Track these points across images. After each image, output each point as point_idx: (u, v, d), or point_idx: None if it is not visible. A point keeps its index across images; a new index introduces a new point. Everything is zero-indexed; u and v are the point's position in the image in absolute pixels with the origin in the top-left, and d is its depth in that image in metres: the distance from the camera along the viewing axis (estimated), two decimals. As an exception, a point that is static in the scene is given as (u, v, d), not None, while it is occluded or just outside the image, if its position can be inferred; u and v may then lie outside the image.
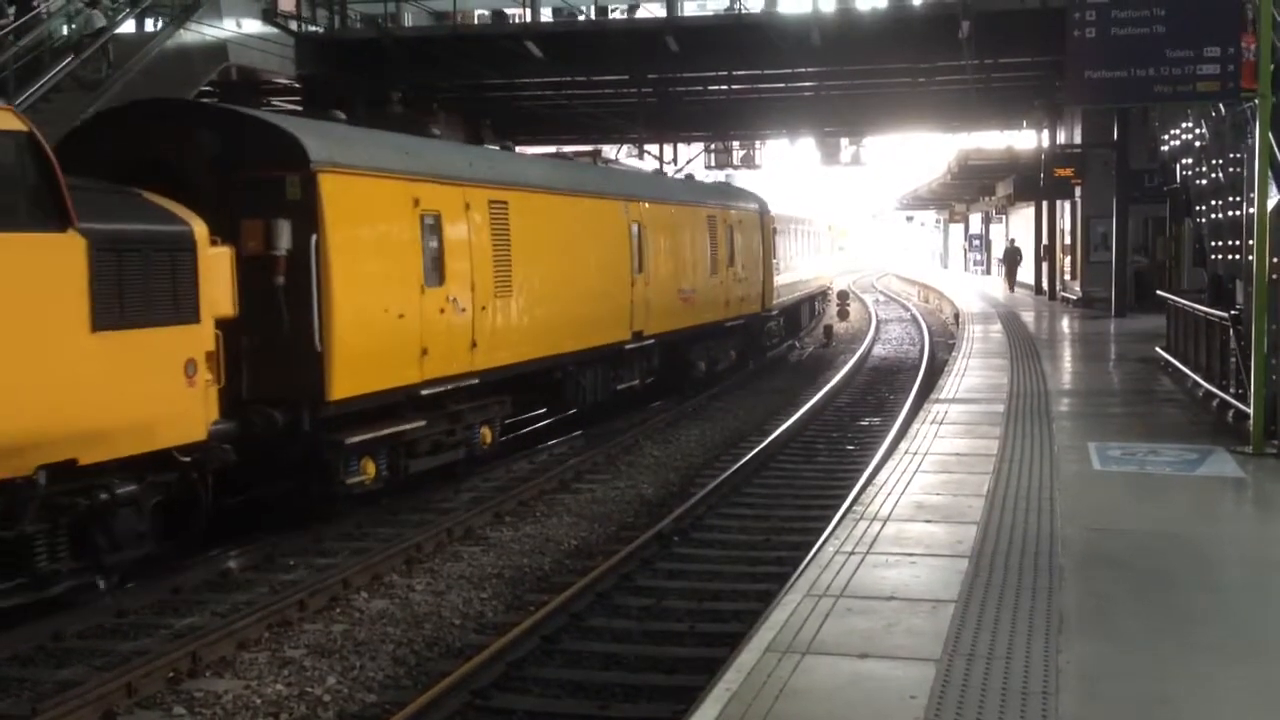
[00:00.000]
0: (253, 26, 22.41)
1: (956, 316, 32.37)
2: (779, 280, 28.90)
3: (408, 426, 12.69)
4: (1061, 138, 33.05)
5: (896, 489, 9.37)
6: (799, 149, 42.65)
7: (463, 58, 24.28)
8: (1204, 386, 13.95)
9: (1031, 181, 33.97)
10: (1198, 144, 20.48)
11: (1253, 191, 11.20)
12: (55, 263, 8.83)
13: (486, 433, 14.54)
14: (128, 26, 20.56)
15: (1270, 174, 10.95)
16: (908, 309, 47.81)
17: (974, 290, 42.81)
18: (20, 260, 8.56)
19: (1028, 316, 29.35)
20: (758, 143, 42.18)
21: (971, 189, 49.66)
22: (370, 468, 12.18)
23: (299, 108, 24.31)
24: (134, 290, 9.46)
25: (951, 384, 16.23)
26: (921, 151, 58.71)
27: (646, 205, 19.88)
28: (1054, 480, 9.63)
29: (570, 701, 7.74)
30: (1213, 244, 21.08)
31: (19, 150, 8.64)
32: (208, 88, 22.16)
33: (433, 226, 13.27)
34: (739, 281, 24.48)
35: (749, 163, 43.38)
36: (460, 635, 9.13)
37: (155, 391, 9.74)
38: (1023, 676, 5.35)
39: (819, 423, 19.23)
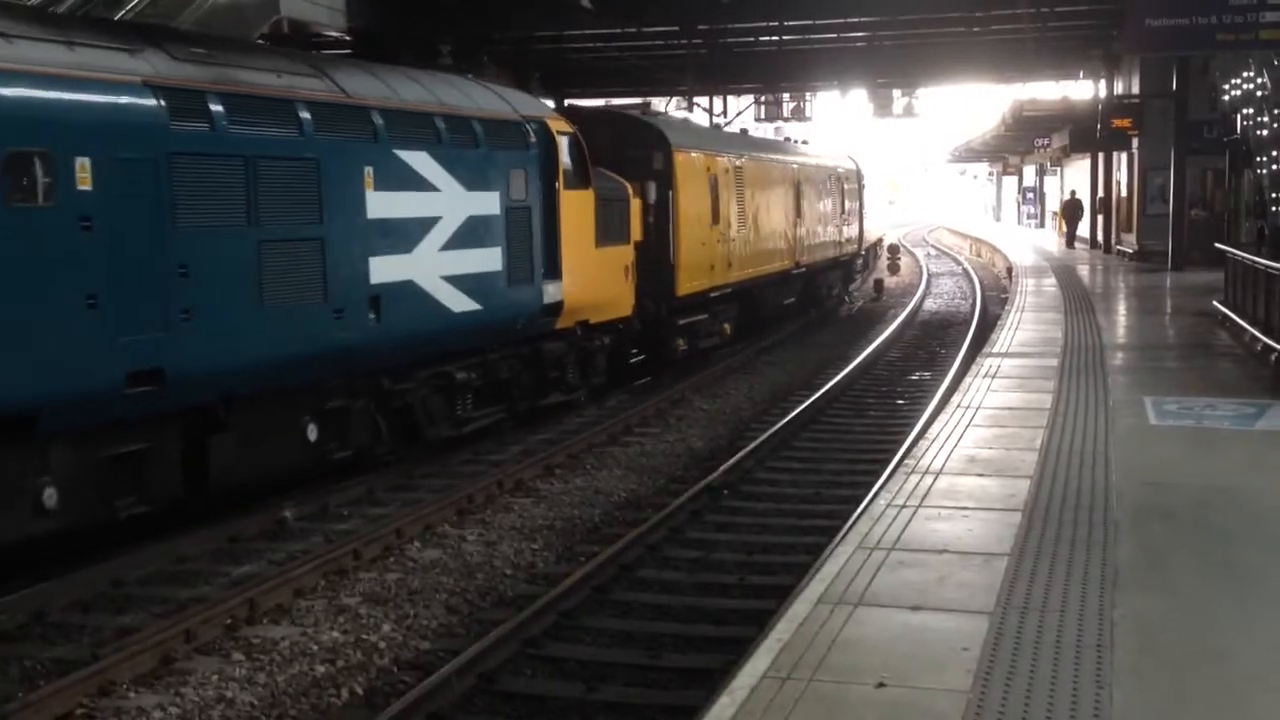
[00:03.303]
0: (302, -22, 22.37)
1: (1009, 270, 32.02)
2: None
3: (699, 317, 19.54)
4: (1119, 88, 32.43)
5: (949, 443, 9.31)
6: (850, 100, 42.15)
7: (512, 9, 24.13)
8: (1262, 340, 13.72)
9: (1088, 133, 33.35)
10: (1259, 94, 19.98)
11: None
12: (587, 207, 15.21)
13: (727, 327, 21.04)
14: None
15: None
16: (959, 263, 47.33)
17: (1027, 244, 42.30)
18: (577, 204, 14.91)
19: (1082, 270, 28.99)
20: (808, 95, 41.71)
21: (1025, 141, 48.90)
22: (681, 343, 18.76)
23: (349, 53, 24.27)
24: (609, 224, 15.82)
25: (1004, 338, 16.09)
26: (975, 102, 57.88)
27: (798, 166, 26.38)
28: (1109, 434, 9.53)
29: (621, 651, 7.80)
30: (1273, 195, 20.65)
31: (575, 144, 14.89)
32: (260, 40, 22.17)
33: (712, 184, 19.84)
34: (847, 225, 31.49)
35: (799, 115, 42.98)
36: (512, 585, 9.22)
37: (616, 284, 16.25)
38: (1077, 630, 5.33)
39: (869, 377, 19.14)
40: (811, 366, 20.19)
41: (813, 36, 29.14)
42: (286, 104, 10.45)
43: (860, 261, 34.81)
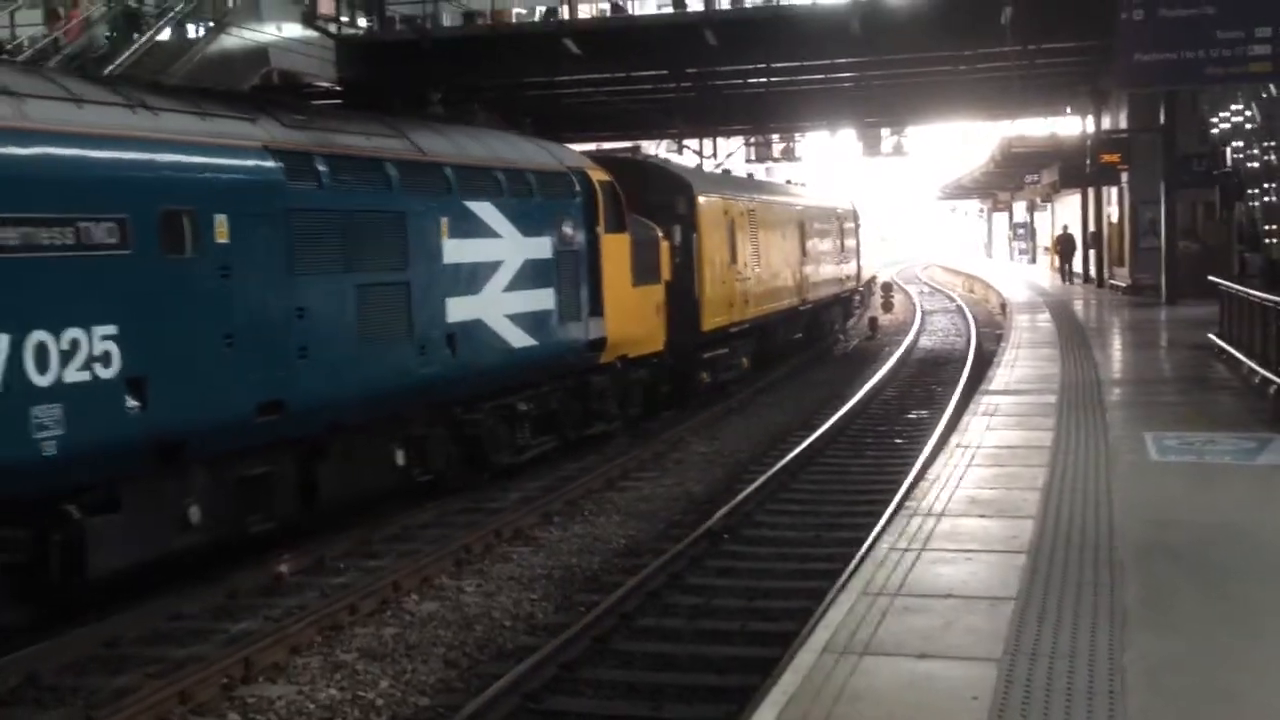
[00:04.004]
0: (293, 30, 22.49)
1: (1003, 306, 32.05)
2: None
3: (721, 352, 20.78)
4: (1106, 123, 32.60)
5: (949, 484, 9.24)
6: (840, 140, 42.35)
7: (501, 56, 24.27)
8: (1260, 373, 13.69)
9: (1077, 168, 33.51)
10: (1248, 126, 20.07)
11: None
12: (623, 249, 16.46)
13: (745, 360, 22.28)
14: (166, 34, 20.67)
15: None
16: (953, 299, 47.40)
17: (1019, 279, 42.38)
18: (616, 247, 16.20)
19: (1076, 305, 29.01)
20: (798, 134, 41.88)
21: (1015, 177, 49.14)
22: (705, 376, 20.00)
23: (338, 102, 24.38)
24: (642, 264, 17.04)
25: (1001, 375, 16.04)
26: (964, 139, 58.11)
27: (802, 207, 28.17)
28: (1110, 472, 9.47)
29: (623, 703, 7.69)
30: (1266, 228, 20.70)
31: (612, 192, 16.16)
32: (251, 91, 22.26)
33: (730, 226, 21.35)
34: (846, 263, 33.05)
35: (789, 155, 43.13)
36: (511, 637, 9.10)
37: (650, 321, 17.39)
38: (1087, 675, 5.24)
39: (866, 416, 19.07)
40: (809, 406, 20.12)
41: (800, 77, 29.31)
42: (377, 163, 11.84)
43: (858, 298, 36.31)
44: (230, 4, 21.02)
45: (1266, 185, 20.24)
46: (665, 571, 10.29)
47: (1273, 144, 18.68)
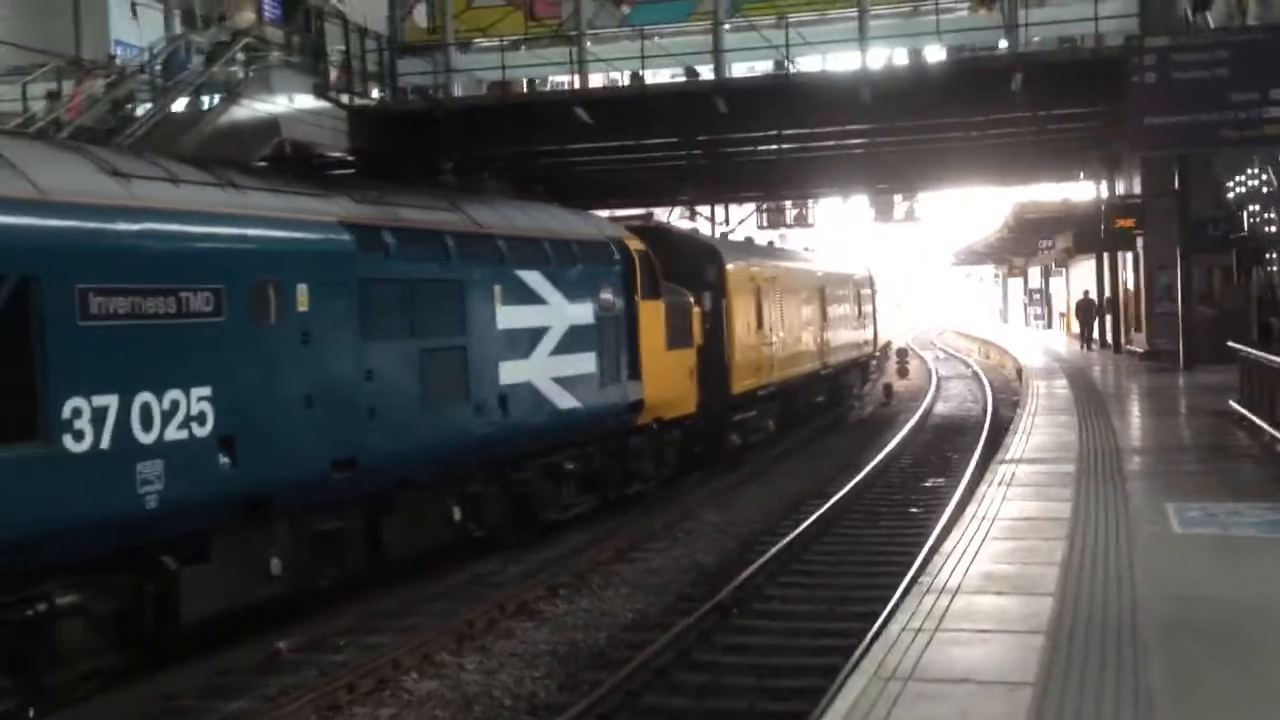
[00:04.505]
0: (305, 101, 22.56)
1: (1019, 372, 31.75)
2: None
3: (750, 414, 21.39)
4: (1120, 188, 32.47)
5: (965, 558, 8.93)
6: (852, 206, 42.35)
7: (512, 126, 24.28)
8: (1283, 441, 13.38)
9: (1092, 233, 33.32)
10: (1265, 190, 19.86)
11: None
12: (658, 315, 17.21)
13: (771, 423, 23.13)
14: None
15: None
16: (968, 365, 47.10)
17: (1035, 345, 42.07)
18: (651, 313, 16.96)
19: (1093, 371, 28.69)
20: (810, 201, 41.87)
21: (1029, 243, 48.96)
22: (735, 438, 20.44)
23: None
24: (676, 329, 17.73)
25: (1018, 443, 15.73)
26: (977, 204, 58.06)
27: (822, 274, 29.14)
28: (1131, 545, 9.15)
29: (626, 789, 7.37)
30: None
31: (648, 260, 16.93)
32: (263, 161, 22.31)
33: (756, 293, 22.15)
34: (864, 329, 33.94)
35: (802, 221, 43.10)
36: (512, 717, 8.81)
37: (683, 384, 18.00)
38: (1111, 767, 4.94)
39: (881, 484, 18.77)
40: (824, 474, 19.83)
41: (812, 144, 29.27)
42: (437, 235, 12.66)
43: (874, 362, 37.20)
44: (241, 75, 21.11)
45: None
46: (673, 648, 9.99)
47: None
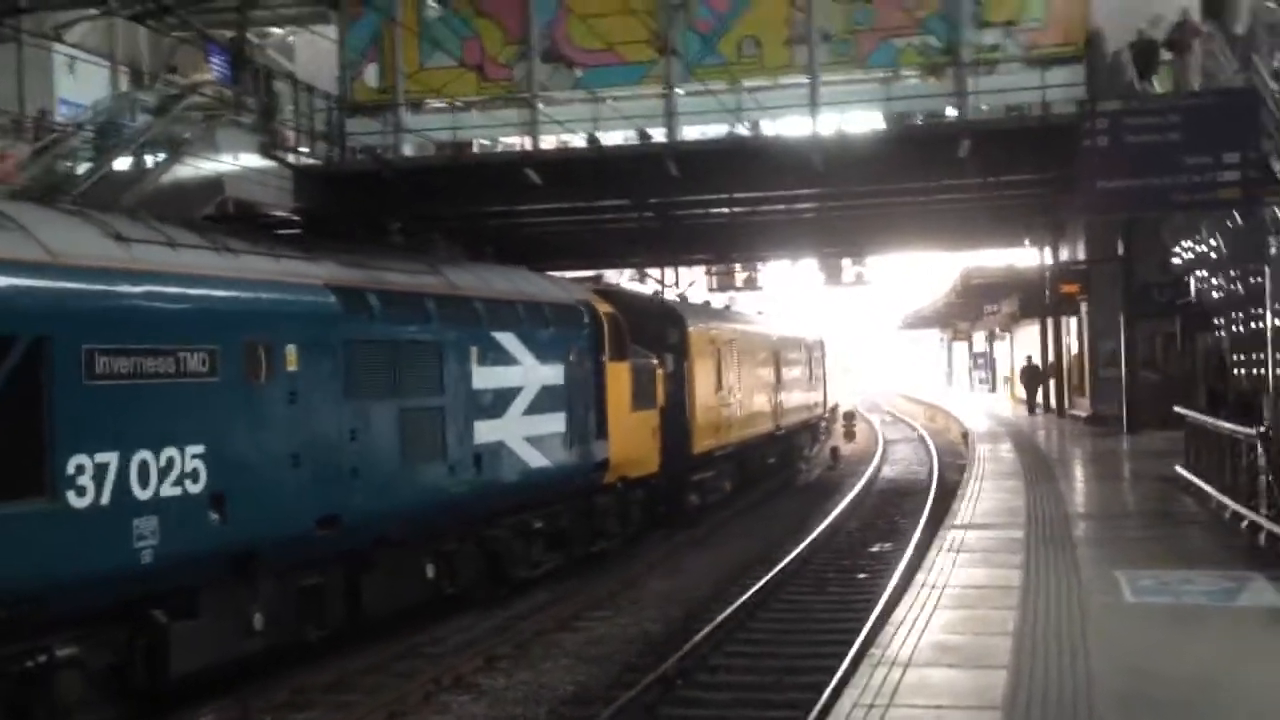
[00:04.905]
0: (250, 160, 22.28)
1: (965, 435, 31.77)
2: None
3: (709, 474, 21.59)
4: (1065, 254, 32.80)
5: (915, 628, 8.72)
6: (801, 269, 42.48)
7: (462, 186, 24.13)
8: (1231, 507, 13.33)
9: (1036, 299, 33.63)
10: (1213, 255, 19.98)
11: (1276, 303, 10.75)
12: (624, 376, 17.45)
13: (728, 484, 23.10)
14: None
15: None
16: (914, 428, 47.20)
17: (980, 409, 42.22)
18: (618, 374, 17.21)
19: (1038, 435, 28.76)
20: (759, 263, 41.93)
21: (975, 308, 49.39)
22: (694, 498, 20.67)
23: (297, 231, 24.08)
24: (640, 390, 18.06)
25: (965, 508, 15.60)
26: (925, 269, 58.50)
27: (777, 338, 29.79)
28: (1084, 615, 8.99)
29: None
30: (1235, 358, 20.53)
31: (615, 323, 17.27)
32: (206, 219, 21.93)
33: (716, 355, 22.48)
34: (814, 391, 34.41)
35: (751, 284, 43.12)
36: (447, 798, 8.43)
37: (647, 444, 18.38)
38: None
39: (829, 550, 18.57)
40: (771, 538, 19.59)
41: (763, 208, 29.36)
42: (419, 298, 12.95)
43: (824, 424, 37.66)
44: (186, 134, 20.84)
45: (1234, 314, 20.08)
46: (616, 722, 9.66)
47: (1237, 273, 18.55)
